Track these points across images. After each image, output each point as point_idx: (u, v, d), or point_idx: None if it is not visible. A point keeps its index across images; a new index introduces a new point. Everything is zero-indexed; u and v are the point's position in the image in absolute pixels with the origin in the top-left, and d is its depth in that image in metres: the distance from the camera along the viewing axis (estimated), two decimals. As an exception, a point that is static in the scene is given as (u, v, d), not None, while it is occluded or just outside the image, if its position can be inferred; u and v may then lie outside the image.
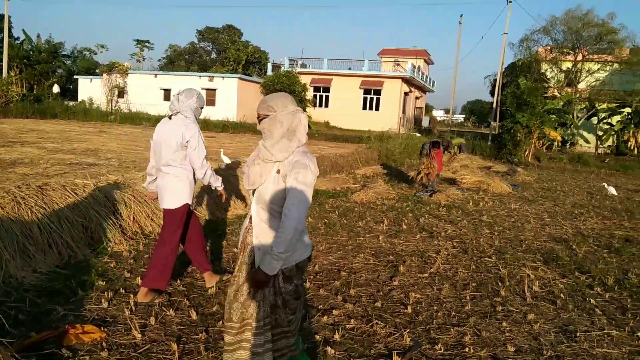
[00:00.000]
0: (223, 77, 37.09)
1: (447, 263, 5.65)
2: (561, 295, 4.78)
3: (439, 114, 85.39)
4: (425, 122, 50.01)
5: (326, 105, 38.49)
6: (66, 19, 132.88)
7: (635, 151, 24.48)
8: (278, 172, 2.56)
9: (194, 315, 3.82)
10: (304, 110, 24.71)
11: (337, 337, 3.59)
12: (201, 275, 4.60)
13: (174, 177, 4.03)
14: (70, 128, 18.51)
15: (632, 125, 25.20)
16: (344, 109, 36.71)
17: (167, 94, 37.16)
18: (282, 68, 38.12)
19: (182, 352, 3.31)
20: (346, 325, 3.82)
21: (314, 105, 35.25)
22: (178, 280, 4.51)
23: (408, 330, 3.78)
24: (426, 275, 5.15)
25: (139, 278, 4.41)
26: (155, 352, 3.29)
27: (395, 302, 4.38)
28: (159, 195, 4.17)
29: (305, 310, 3.98)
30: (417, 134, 27.74)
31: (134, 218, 6.00)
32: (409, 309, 4.18)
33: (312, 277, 4.86)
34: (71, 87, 45.29)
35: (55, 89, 33.32)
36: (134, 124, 26.47)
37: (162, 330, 3.59)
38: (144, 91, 36.09)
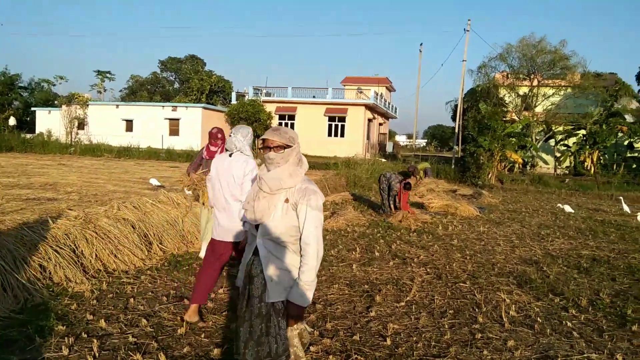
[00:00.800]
0: (187, 106, 36.82)
1: (423, 290, 5.57)
2: (538, 319, 4.75)
3: (401, 139, 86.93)
4: (389, 148, 50.73)
5: (292, 133, 38.50)
6: (23, 50, 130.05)
7: (592, 171, 25.33)
8: (287, 200, 2.55)
9: (163, 359, 3.58)
10: (270, 138, 24.78)
11: (316, 375, 3.43)
12: (182, 310, 4.42)
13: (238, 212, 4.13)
14: (27, 161, 17.85)
15: (587, 147, 26.14)
16: (310, 136, 36.85)
17: (129, 125, 36.56)
18: (247, 97, 38.15)
19: (151, 401, 3.07)
20: (325, 362, 3.66)
21: (280, 133, 35.17)
22: (144, 321, 4.25)
23: (389, 364, 3.65)
24: (403, 304, 5.05)
25: (185, 299, 4.75)
26: (122, 402, 3.04)
27: (373, 334, 4.24)
28: (222, 230, 4.19)
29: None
30: (383, 159, 28.01)
31: (96, 255, 5.71)
32: (388, 341, 4.05)
33: (286, 311, 4.68)
34: (28, 119, 44.03)
35: (12, 121, 32.34)
36: (95, 155, 25.80)
37: (129, 377, 3.35)
38: (105, 122, 35.41)
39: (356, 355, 3.76)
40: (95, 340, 3.80)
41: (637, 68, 44.33)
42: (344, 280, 5.84)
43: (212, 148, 6.13)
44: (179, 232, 7.07)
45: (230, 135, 4.38)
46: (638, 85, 41.22)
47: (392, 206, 10.90)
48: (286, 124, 37.99)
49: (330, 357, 3.74)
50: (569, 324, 4.65)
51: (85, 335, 3.95)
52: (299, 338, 2.64)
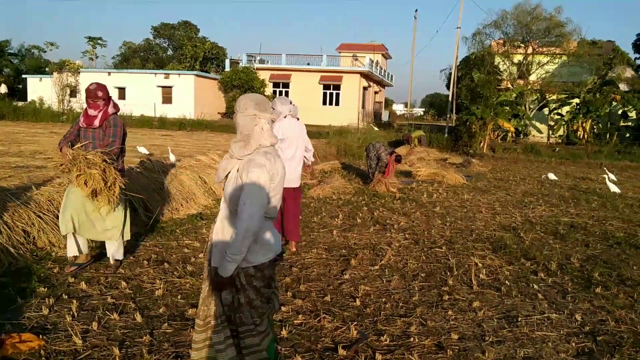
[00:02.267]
0: (179, 74, 36.47)
1: (398, 255, 5.74)
2: (506, 282, 4.93)
3: (399, 108, 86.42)
4: (385, 116, 50.54)
5: (286, 101, 38.30)
6: (13, 16, 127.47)
7: (584, 140, 25.42)
8: (237, 170, 2.56)
9: (139, 319, 3.74)
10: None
11: (284, 333, 3.60)
12: (148, 279, 4.56)
13: (300, 164, 5.81)
14: (18, 129, 17.79)
15: (581, 115, 26.13)
16: (304, 104, 36.51)
17: (121, 92, 36.24)
18: (240, 64, 37.76)
19: (124, 356, 3.24)
20: (294, 321, 3.82)
21: (274, 102, 35.01)
22: (124, 283, 4.40)
23: (355, 323, 3.82)
24: (377, 267, 5.22)
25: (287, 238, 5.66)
26: (96, 357, 3.21)
27: (344, 295, 4.41)
28: (292, 177, 5.49)
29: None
30: (376, 128, 28.00)
31: (80, 221, 5.82)
32: (358, 302, 4.22)
33: (263, 274, 4.84)
34: (20, 86, 43.61)
35: (3, 89, 32.01)
36: (87, 124, 25.69)
37: (105, 335, 3.51)
38: (97, 90, 35.06)
39: (325, 315, 3.93)
40: (75, 301, 3.95)
41: (634, 36, 43.86)
42: (323, 245, 6.00)
43: (91, 112, 4.61)
44: (164, 198, 7.18)
45: (291, 104, 5.63)
46: (635, 53, 40.97)
47: (377, 176, 11.00)
48: (280, 92, 37.77)
49: (300, 316, 3.90)
50: (535, 286, 4.83)
51: (66, 297, 4.10)
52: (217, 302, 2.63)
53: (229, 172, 2.60)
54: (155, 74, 36.91)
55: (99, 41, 65.55)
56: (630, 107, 27.42)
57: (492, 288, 4.76)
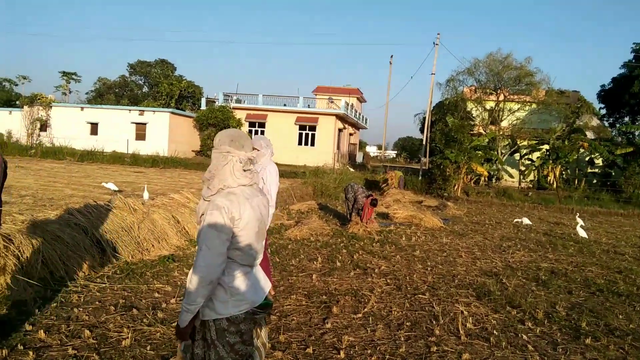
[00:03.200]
0: (154, 111, 36.15)
1: (381, 301, 5.50)
2: (494, 331, 4.73)
3: (372, 150, 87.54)
4: (359, 158, 50.99)
5: (262, 141, 38.28)
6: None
7: (554, 185, 25.91)
8: (203, 213, 2.36)
9: (102, 373, 3.39)
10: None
11: (264, 390, 3.29)
12: (115, 327, 4.20)
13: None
14: (-18, 163, 17.11)
15: (551, 161, 26.74)
16: (280, 144, 36.64)
17: (94, 128, 35.68)
18: (217, 103, 37.77)
19: (85, 418, 2.88)
20: (274, 376, 3.53)
21: (249, 141, 34.94)
22: (87, 332, 4.04)
23: (341, 378, 3.55)
24: (360, 315, 4.96)
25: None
26: (52, 420, 2.85)
27: (327, 347, 4.13)
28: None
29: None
30: (351, 169, 28.06)
31: (42, 262, 5.43)
32: (342, 354, 3.95)
33: (239, 322, 4.53)
34: (-12, 119, 42.47)
35: (-30, 121, 31.10)
36: (56, 158, 25.06)
37: (63, 393, 3.14)
38: (69, 125, 34.46)
39: (307, 369, 3.65)
40: (31, 353, 3.58)
41: (598, 87, 45.93)
42: (302, 290, 5.72)
43: None
44: (134, 238, 6.82)
45: (268, 146, 5.04)
46: (599, 103, 42.68)
47: (354, 217, 10.86)
48: (256, 132, 37.75)
49: (281, 370, 3.61)
50: (524, 336, 4.64)
51: (21, 347, 3.72)
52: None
53: (202, 214, 2.38)
54: (130, 110, 36.51)
55: (74, 76, 65.15)
56: (597, 154, 28.25)
57: (480, 338, 4.54)
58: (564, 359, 4.16)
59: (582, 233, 10.99)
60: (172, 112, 35.95)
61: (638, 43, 37.64)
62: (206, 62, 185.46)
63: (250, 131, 37.45)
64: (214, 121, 34.04)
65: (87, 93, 66.91)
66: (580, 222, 12.32)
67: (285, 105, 39.06)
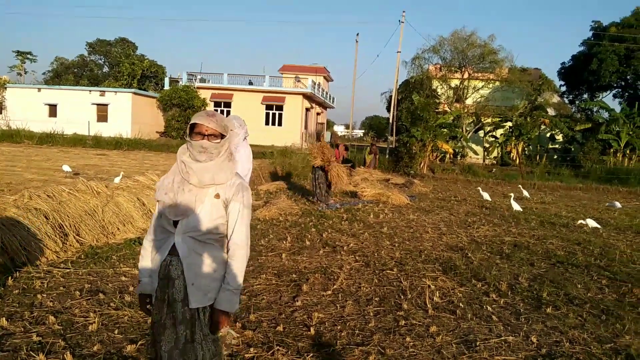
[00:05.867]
0: (116, 91, 35.12)
1: (350, 278, 5.56)
2: (460, 304, 4.86)
3: (339, 129, 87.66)
4: (327, 137, 50.96)
5: (228, 121, 37.80)
6: None
7: (517, 161, 26.60)
8: (217, 196, 2.31)
9: (69, 359, 3.32)
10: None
11: (235, 369, 3.30)
12: (81, 312, 4.11)
13: None
14: None
15: (514, 138, 27.43)
16: (247, 124, 36.25)
17: (52, 110, 34.47)
18: (180, 83, 36.96)
19: (52, 405, 2.83)
20: (245, 355, 3.54)
21: (215, 121, 34.47)
22: (52, 318, 3.94)
23: (311, 354, 3.58)
24: (329, 292, 5.01)
25: None
26: (17, 408, 2.79)
27: (298, 324, 4.17)
28: None
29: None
30: (319, 149, 28.03)
31: (2, 248, 5.25)
32: (312, 331, 3.99)
33: (209, 303, 4.52)
34: (-63, 102, 40.43)
35: None
36: (14, 142, 24.20)
37: (29, 380, 3.08)
38: (25, 107, 33.19)
39: (278, 347, 3.67)
40: (-8, 342, 3.48)
41: (559, 64, 47.05)
42: (272, 270, 5.73)
43: None
44: (99, 222, 6.67)
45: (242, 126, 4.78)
46: (559, 80, 43.72)
47: (323, 194, 10.93)
48: (222, 112, 37.21)
49: (252, 349, 3.62)
50: (489, 308, 4.79)
51: (-18, 336, 3.60)
52: (223, 342, 2.51)
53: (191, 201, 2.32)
54: (90, 90, 35.36)
55: (29, 56, 62.40)
56: (557, 130, 29.09)
57: (447, 311, 4.66)
58: (526, 328, 4.32)
59: (516, 206, 11.29)
60: (135, 93, 35.01)
61: (597, 21, 38.58)
62: (169, 41, 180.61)
63: (215, 110, 36.82)
64: (177, 101, 33.36)
65: (43, 73, 64.28)
66: (525, 193, 12.98)
67: (251, 84, 38.58)
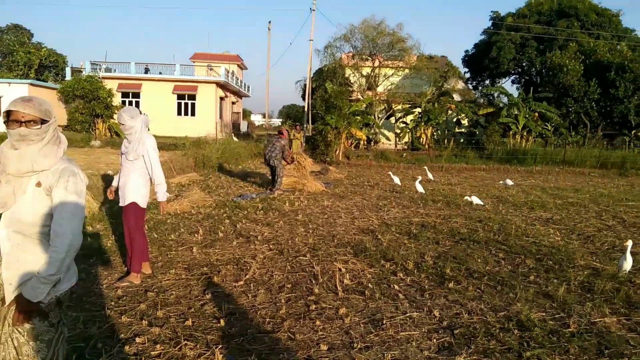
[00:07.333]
0: (9, 82, 32.39)
1: (263, 267, 5.56)
2: (369, 285, 5.02)
3: (257, 119, 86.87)
4: (243, 127, 50.36)
5: (137, 112, 36.18)
6: None
7: (427, 145, 27.80)
8: (39, 184, 2.17)
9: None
10: (111, 117, 22.75)
11: (139, 368, 3.20)
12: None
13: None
14: None
15: (423, 123, 28.58)
16: (157, 115, 34.76)
17: None
18: (84, 73, 34.75)
19: None
20: (151, 353, 3.43)
21: (123, 112, 32.85)
22: None
23: (220, 346, 3.54)
24: (241, 283, 4.98)
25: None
26: None
27: (207, 317, 4.10)
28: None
29: (104, 343, 3.50)
30: (235, 139, 27.65)
31: None
32: (222, 323, 3.94)
33: (113, 303, 4.32)
34: None
35: None
36: None
37: None
38: None
39: (186, 342, 3.59)
40: None
41: (463, 52, 49.67)
42: (182, 264, 5.59)
43: None
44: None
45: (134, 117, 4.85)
46: (464, 67, 46.10)
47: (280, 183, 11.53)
48: (130, 102, 35.55)
49: (158, 346, 3.52)
50: (396, 287, 4.99)
51: None
52: (28, 339, 2.19)
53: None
54: (-21, 82, 32.33)
55: None
56: (463, 115, 30.70)
57: (356, 292, 4.80)
58: (429, 303, 4.55)
59: (420, 188, 11.85)
60: (32, 84, 32.50)
61: (495, 11, 40.97)
62: (69, 29, 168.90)
63: (124, 102, 35.16)
64: (81, 92, 31.30)
65: None
66: (429, 175, 13.83)
67: (160, 73, 37.12)
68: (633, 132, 27.44)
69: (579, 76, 27.92)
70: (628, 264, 5.45)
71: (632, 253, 5.64)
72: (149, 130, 5.15)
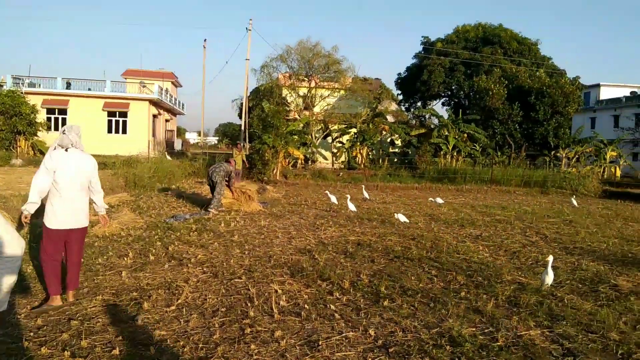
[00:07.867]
0: None
1: (197, 291, 5.39)
2: (305, 306, 4.99)
3: (192, 137, 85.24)
4: (177, 145, 49.20)
5: (64, 130, 34.47)
6: None
7: (362, 165, 28.34)
8: None
9: None
10: (35, 134, 21.56)
11: (59, 404, 2.98)
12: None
13: (86, 200, 5.00)
14: None
15: (358, 143, 29.16)
16: (86, 132, 33.24)
17: None
18: (4, 87, 32.73)
19: None
20: (73, 387, 3.21)
21: (49, 129, 31.22)
22: None
23: (150, 376, 3.38)
24: (173, 307, 4.79)
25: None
26: None
27: (136, 345, 3.90)
28: (73, 217, 4.80)
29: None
30: (169, 157, 26.91)
31: None
32: (152, 350, 3.77)
33: (32, 333, 4.03)
34: None
35: None
36: None
37: None
38: None
39: (112, 373, 3.40)
40: None
41: (396, 75, 51.47)
42: (109, 290, 5.31)
43: None
44: None
45: (63, 133, 4.82)
46: (397, 89, 47.67)
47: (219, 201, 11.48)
48: (56, 119, 33.86)
49: (81, 379, 3.30)
50: (332, 306, 4.98)
51: None
52: None
53: None
54: None
55: None
56: (397, 135, 31.61)
57: (292, 314, 4.75)
58: (365, 322, 4.57)
59: (352, 207, 12.04)
60: (-56, 98, 30.12)
61: (426, 36, 42.88)
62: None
63: (49, 119, 33.43)
64: (1, 108, 29.50)
65: None
66: (365, 194, 14.09)
67: (90, 89, 35.67)
68: (552, 153, 29.36)
69: (503, 100, 29.61)
70: (550, 278, 5.77)
71: (553, 267, 5.98)
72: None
